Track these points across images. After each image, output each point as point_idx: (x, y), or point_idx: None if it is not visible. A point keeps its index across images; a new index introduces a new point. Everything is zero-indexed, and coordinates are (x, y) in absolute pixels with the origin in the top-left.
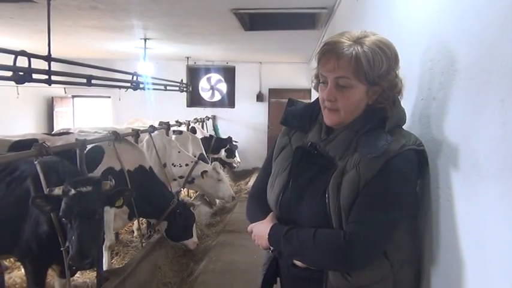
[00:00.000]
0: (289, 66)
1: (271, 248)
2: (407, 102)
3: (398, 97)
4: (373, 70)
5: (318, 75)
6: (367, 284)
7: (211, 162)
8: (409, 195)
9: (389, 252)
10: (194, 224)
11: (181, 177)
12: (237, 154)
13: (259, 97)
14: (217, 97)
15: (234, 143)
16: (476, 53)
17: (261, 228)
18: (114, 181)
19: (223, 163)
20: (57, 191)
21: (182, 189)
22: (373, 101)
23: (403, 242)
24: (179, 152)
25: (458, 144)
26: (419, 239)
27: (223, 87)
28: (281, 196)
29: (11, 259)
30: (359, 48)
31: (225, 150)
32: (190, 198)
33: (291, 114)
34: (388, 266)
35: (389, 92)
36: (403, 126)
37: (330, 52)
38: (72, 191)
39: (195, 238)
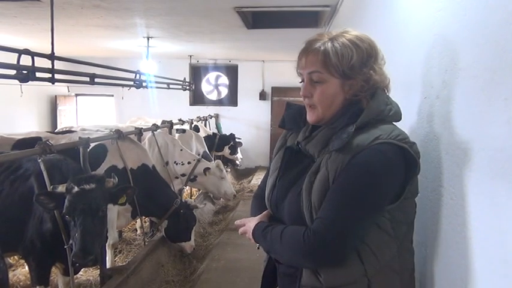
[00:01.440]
0: (292, 64)
1: (258, 244)
2: (410, 100)
3: (386, 92)
4: (341, 63)
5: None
6: (339, 286)
7: (215, 159)
8: (379, 190)
9: (364, 256)
10: (194, 228)
11: (183, 175)
12: (239, 151)
13: (262, 95)
14: (224, 93)
15: (237, 139)
16: (480, 51)
17: (250, 225)
18: (117, 179)
19: (226, 160)
20: (61, 188)
21: (185, 187)
22: (351, 95)
23: (383, 247)
24: (181, 150)
25: (462, 143)
26: (416, 245)
27: (224, 80)
28: (271, 195)
29: (15, 257)
30: (329, 43)
31: (229, 148)
32: (193, 196)
33: (288, 116)
34: (361, 269)
35: (366, 84)
36: (401, 123)
37: (304, 50)
38: (76, 189)
39: (192, 242)
